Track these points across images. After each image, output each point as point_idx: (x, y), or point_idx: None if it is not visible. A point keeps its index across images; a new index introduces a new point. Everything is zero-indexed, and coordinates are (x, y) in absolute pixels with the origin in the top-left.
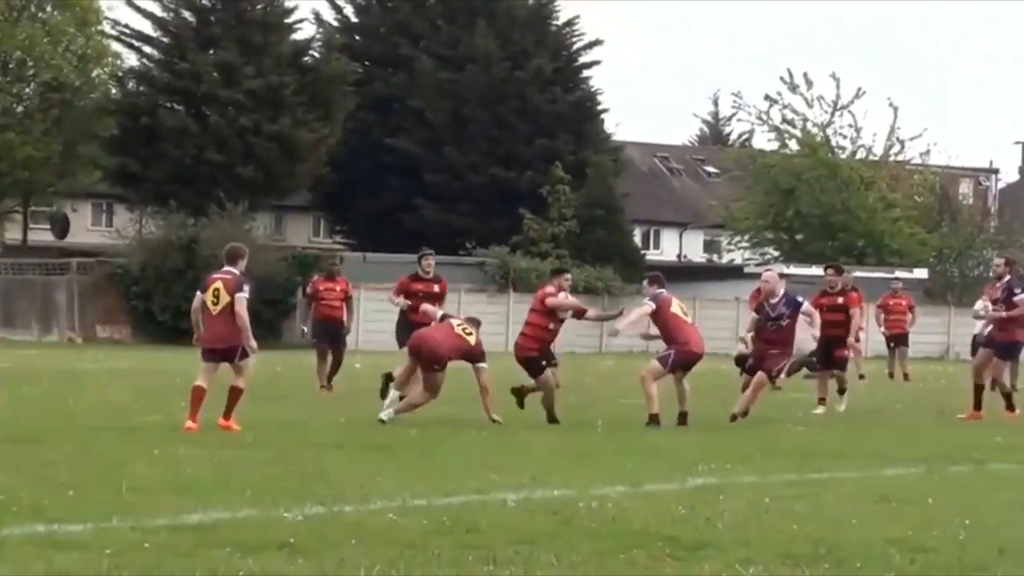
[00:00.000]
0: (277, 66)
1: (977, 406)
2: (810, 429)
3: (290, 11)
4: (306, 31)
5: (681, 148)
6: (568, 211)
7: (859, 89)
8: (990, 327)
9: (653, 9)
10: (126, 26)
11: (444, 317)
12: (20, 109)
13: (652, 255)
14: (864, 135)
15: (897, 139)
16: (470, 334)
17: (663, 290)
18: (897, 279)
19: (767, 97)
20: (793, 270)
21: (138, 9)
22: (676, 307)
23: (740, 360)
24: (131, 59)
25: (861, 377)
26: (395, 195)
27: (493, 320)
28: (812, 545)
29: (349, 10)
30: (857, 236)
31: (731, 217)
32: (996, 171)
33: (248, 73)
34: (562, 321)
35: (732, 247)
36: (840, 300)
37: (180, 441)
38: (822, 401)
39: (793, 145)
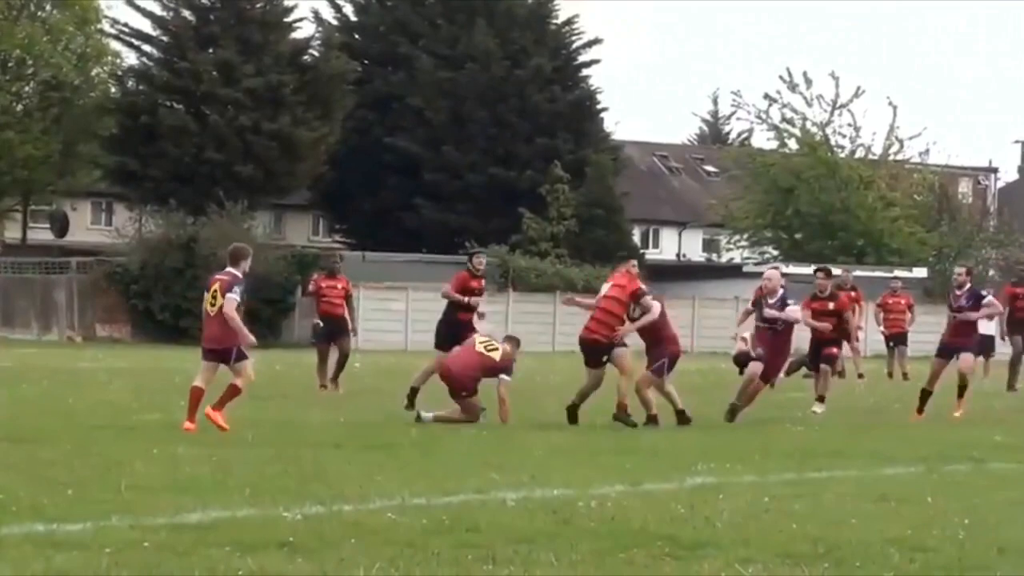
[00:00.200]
0: (276, 65)
1: (960, 399)
2: (809, 429)
3: (289, 10)
4: (305, 30)
5: (680, 147)
6: (567, 210)
7: (858, 88)
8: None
9: (652, 8)
10: (125, 25)
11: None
12: (20, 108)
13: (651, 254)
14: (863, 134)
15: (896, 138)
16: (494, 350)
17: None
18: (896, 278)
19: (766, 96)
20: (792, 269)
21: (138, 8)
22: None
23: (740, 359)
24: (130, 58)
25: (860, 376)
26: (394, 194)
27: (493, 320)
28: (811, 544)
29: (348, 9)
30: (856, 235)
31: (730, 216)
32: (995, 170)
33: (247, 72)
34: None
35: (731, 246)
36: (831, 306)
37: (179, 440)
38: (822, 399)
39: (792, 144)
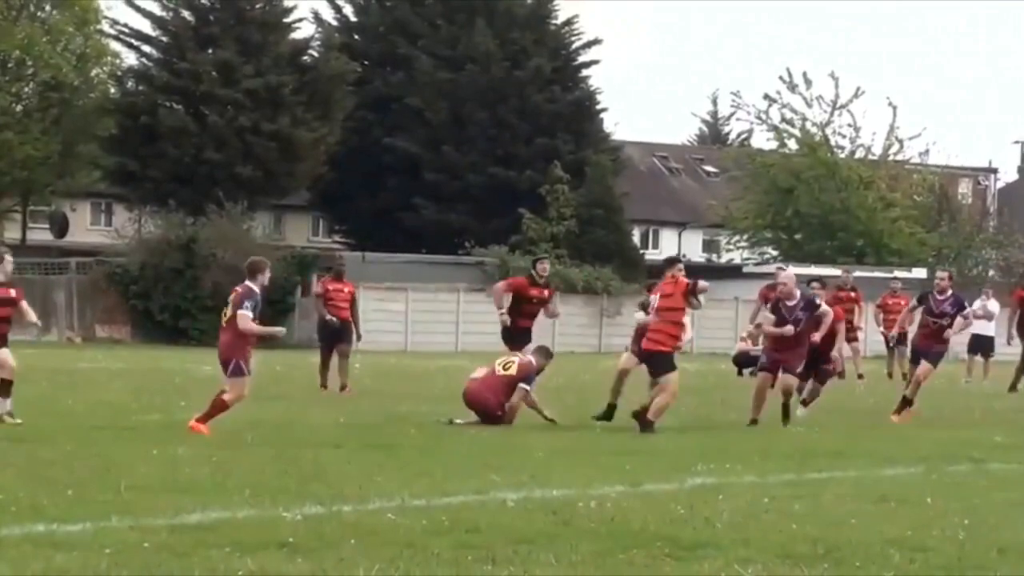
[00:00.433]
0: (276, 65)
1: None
2: (809, 430)
3: (289, 10)
4: (305, 30)
5: (680, 147)
6: (567, 211)
7: (858, 88)
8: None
9: (652, 8)
10: (125, 25)
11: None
12: (19, 108)
13: (651, 255)
14: (863, 135)
15: (896, 138)
16: (510, 366)
17: None
18: (896, 279)
19: (766, 96)
20: (792, 270)
21: (137, 8)
22: None
23: (739, 359)
24: (130, 58)
25: (860, 377)
26: (394, 195)
27: (492, 320)
28: (811, 545)
29: (348, 9)
30: (856, 236)
31: (730, 217)
32: (995, 171)
33: (247, 72)
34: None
35: (731, 247)
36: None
37: (179, 441)
38: (805, 404)
39: (792, 145)
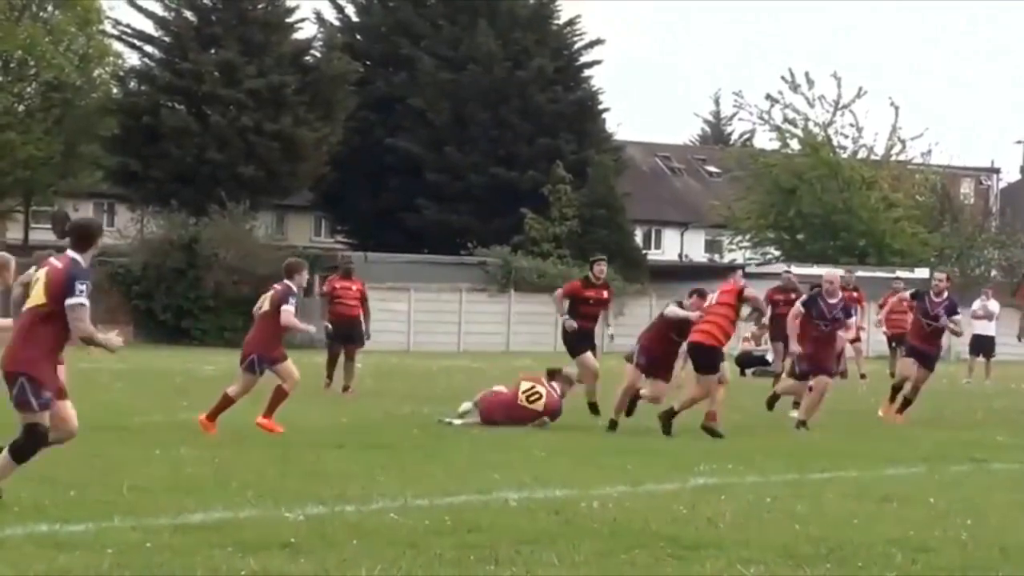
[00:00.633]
0: (278, 65)
1: (891, 402)
2: (811, 430)
3: (291, 10)
4: (307, 30)
5: (682, 148)
6: (569, 211)
7: (860, 89)
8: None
9: (653, 8)
10: (127, 25)
11: (553, 374)
12: (21, 108)
13: (653, 255)
14: (865, 135)
15: (898, 139)
16: (537, 399)
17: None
18: (898, 279)
19: (768, 97)
20: (795, 270)
21: (139, 8)
22: None
23: (742, 360)
24: (132, 59)
25: (863, 377)
26: (396, 195)
27: (494, 320)
28: (813, 545)
29: (350, 10)
30: (858, 236)
31: (732, 217)
32: (997, 171)
33: (249, 72)
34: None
35: (734, 247)
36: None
37: (181, 441)
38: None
39: (794, 145)
